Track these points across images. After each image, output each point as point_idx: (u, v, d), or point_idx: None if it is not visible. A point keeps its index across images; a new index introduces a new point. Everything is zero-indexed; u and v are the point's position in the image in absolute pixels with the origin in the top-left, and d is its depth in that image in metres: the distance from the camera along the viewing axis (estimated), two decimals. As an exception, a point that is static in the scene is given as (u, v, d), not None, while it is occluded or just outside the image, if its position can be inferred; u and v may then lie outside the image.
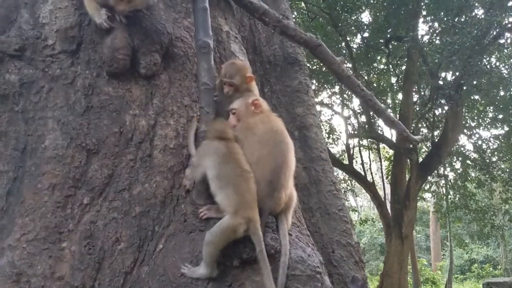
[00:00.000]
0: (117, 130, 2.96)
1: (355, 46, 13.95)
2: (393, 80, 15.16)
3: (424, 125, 15.35)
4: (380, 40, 12.87)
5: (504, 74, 11.64)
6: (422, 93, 14.30)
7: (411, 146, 12.14)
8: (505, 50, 11.67)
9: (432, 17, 12.26)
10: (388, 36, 12.60)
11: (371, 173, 16.09)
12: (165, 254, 2.66)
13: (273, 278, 2.35)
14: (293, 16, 11.89)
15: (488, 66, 11.15)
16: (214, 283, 2.43)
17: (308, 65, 11.77)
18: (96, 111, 2.99)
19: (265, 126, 2.75)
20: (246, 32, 4.03)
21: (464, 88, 11.30)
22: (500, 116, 13.49)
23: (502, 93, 12.43)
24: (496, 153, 14.66)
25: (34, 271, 2.58)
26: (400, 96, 14.70)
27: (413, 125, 13.91)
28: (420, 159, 13.40)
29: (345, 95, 15.29)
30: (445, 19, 11.48)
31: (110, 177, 2.87)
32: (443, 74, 12.59)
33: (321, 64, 12.73)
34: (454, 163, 15.71)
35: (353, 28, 12.78)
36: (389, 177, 15.14)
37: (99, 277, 2.66)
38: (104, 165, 2.88)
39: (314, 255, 2.63)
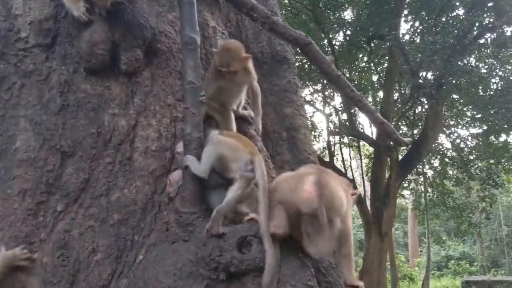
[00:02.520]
0: (94, 131, 2.80)
1: (337, 43, 13.93)
2: (375, 78, 15.25)
3: (405, 123, 15.46)
4: (362, 38, 12.87)
5: (484, 74, 11.75)
6: (403, 92, 14.40)
7: (391, 143, 12.19)
8: (486, 50, 11.77)
9: (414, 16, 12.31)
10: (370, 34, 12.61)
11: (352, 170, 16.15)
12: (146, 265, 2.50)
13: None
14: (277, 11, 11.76)
15: (468, 66, 11.23)
16: (199, 298, 2.28)
17: (291, 61, 11.65)
18: (72, 110, 2.82)
19: None
20: (233, 28, 3.87)
21: (444, 87, 11.37)
22: (479, 116, 13.65)
23: (481, 92, 12.56)
24: (474, 151, 14.84)
25: (2, 285, 2.39)
26: (381, 94, 14.76)
27: (393, 123, 13.97)
28: (400, 157, 13.47)
29: (327, 93, 15.27)
30: (427, 18, 11.53)
31: (87, 182, 2.70)
32: (424, 73, 12.64)
33: (304, 61, 12.68)
34: (432, 161, 15.89)
35: (335, 25, 12.72)
36: (369, 174, 15.20)
37: (74, 291, 2.47)
38: (80, 169, 2.71)
39: (305, 267, 2.49)
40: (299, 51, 3.80)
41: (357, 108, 7.30)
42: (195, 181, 2.53)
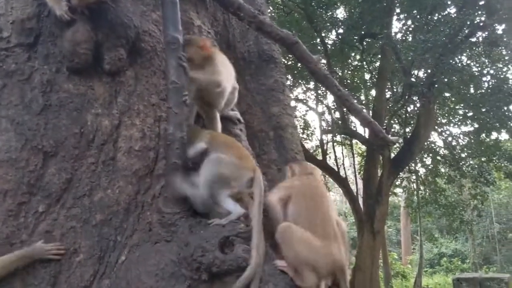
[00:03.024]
0: (77, 131, 2.76)
1: (330, 42, 13.93)
2: (367, 76, 15.26)
3: (397, 121, 15.50)
4: (355, 37, 12.87)
5: (475, 72, 11.80)
6: (395, 90, 14.41)
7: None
8: (478, 49, 11.80)
9: (405, 14, 12.33)
10: (363, 33, 12.62)
11: (344, 168, 16.16)
12: (128, 266, 2.48)
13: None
14: (268, 10, 11.75)
15: (459, 64, 11.27)
16: (181, 299, 2.27)
17: (283, 60, 11.64)
18: (55, 110, 2.78)
19: None
20: (220, 27, 3.84)
21: (436, 85, 11.41)
22: (470, 114, 13.71)
23: (472, 91, 12.61)
24: (465, 149, 14.91)
25: (-18, 287, 2.36)
26: (373, 92, 14.78)
27: (386, 121, 14.00)
28: (392, 155, 13.51)
29: (319, 91, 15.28)
30: (419, 17, 11.55)
31: (69, 182, 2.66)
32: (416, 72, 12.67)
33: (296, 60, 12.65)
34: (425, 159, 15.95)
35: (328, 24, 12.72)
36: (362, 172, 15.23)
37: (55, 292, 2.44)
38: (62, 169, 2.66)
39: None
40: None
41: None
42: (178, 181, 2.52)
